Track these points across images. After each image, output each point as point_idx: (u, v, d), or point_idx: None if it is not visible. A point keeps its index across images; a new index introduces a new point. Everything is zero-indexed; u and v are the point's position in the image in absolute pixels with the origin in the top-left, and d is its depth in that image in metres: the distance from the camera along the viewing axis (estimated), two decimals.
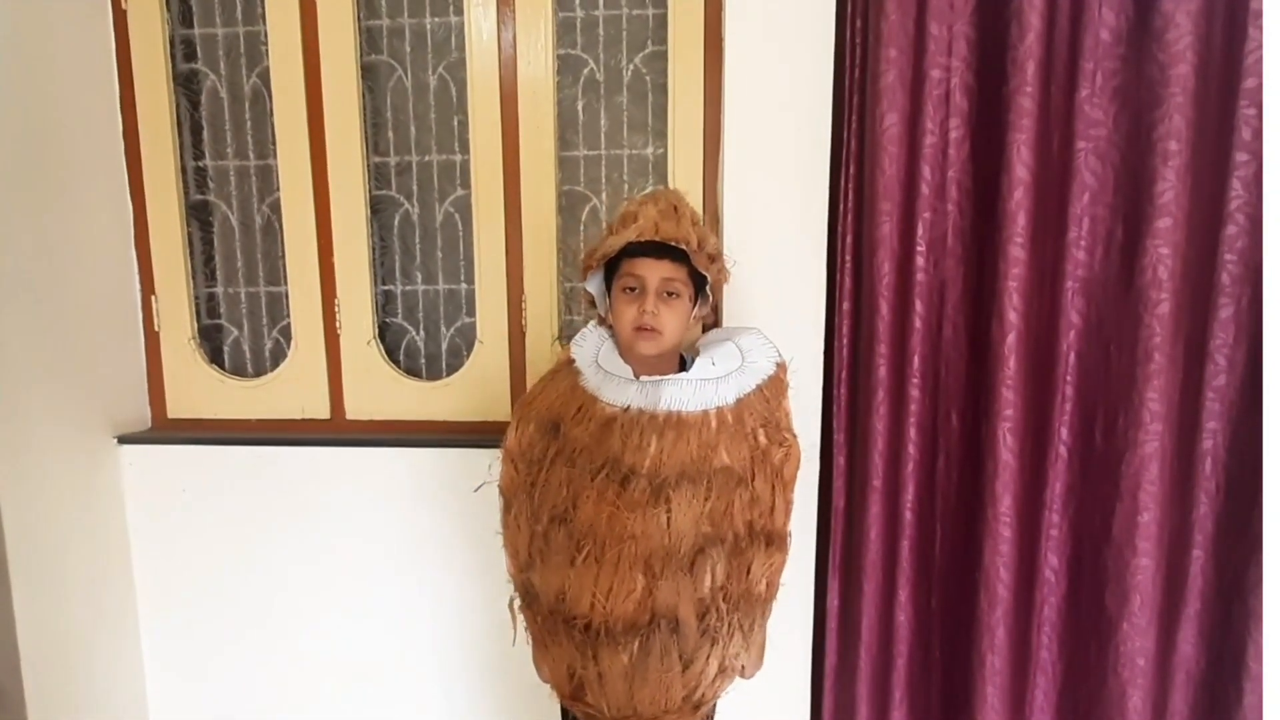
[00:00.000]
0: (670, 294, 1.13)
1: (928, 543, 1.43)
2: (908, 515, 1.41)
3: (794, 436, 1.18)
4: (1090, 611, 1.38)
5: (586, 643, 1.09)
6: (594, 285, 1.22)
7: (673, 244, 1.10)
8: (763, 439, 1.14)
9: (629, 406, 1.12)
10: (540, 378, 1.25)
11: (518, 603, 1.22)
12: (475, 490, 1.36)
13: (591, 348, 1.22)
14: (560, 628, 1.11)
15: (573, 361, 1.22)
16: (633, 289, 1.13)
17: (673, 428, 1.10)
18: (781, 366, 1.20)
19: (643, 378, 1.14)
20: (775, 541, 1.15)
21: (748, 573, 1.11)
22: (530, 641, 1.20)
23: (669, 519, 1.06)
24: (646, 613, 1.07)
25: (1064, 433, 1.35)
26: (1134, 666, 1.34)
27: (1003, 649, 1.39)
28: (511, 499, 1.19)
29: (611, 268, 1.17)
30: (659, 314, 1.11)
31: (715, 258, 1.16)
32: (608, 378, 1.16)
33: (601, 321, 1.26)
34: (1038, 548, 1.37)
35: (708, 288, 1.19)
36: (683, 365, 1.20)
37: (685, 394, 1.12)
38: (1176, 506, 1.32)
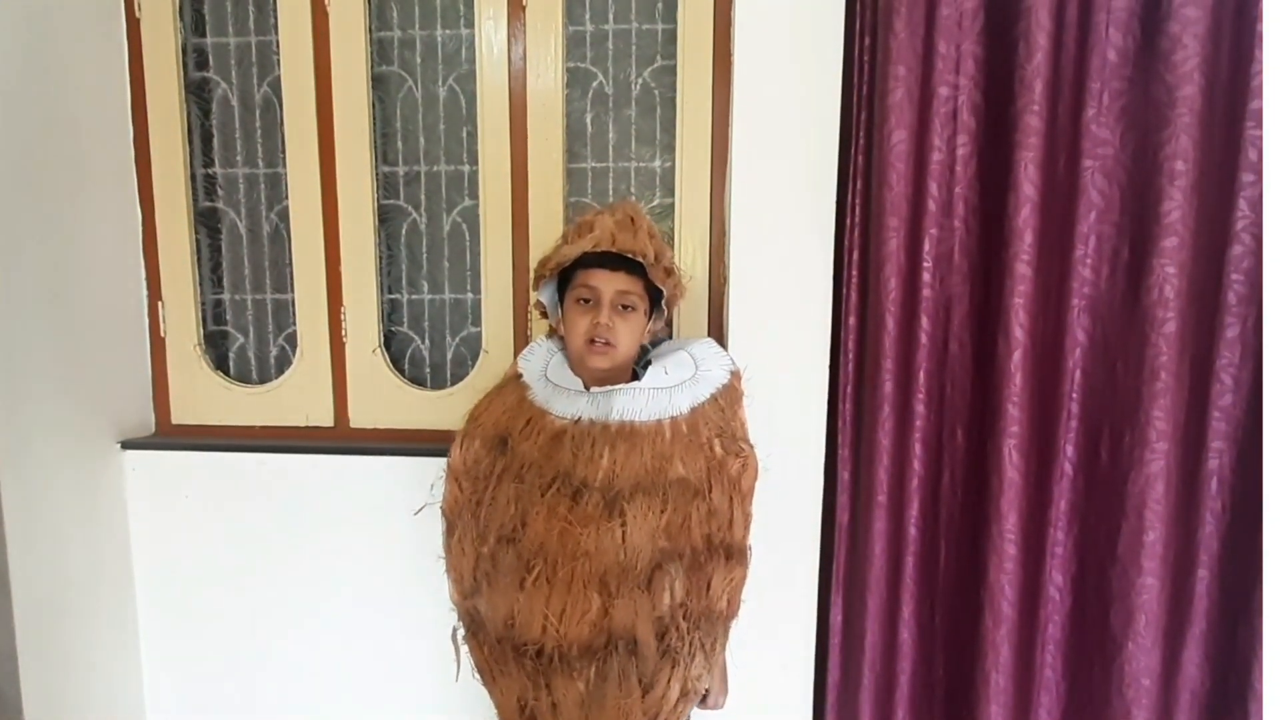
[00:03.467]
0: (625, 307, 1.10)
1: (932, 559, 1.43)
2: (912, 531, 1.41)
3: (750, 447, 1.14)
4: (1095, 631, 1.37)
5: (539, 670, 1.04)
6: (546, 295, 1.20)
7: (629, 256, 1.08)
8: (718, 449, 1.10)
9: (579, 418, 1.09)
10: (487, 393, 1.23)
11: (461, 633, 1.17)
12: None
13: (540, 361, 1.20)
14: (509, 656, 1.06)
15: (520, 376, 1.20)
16: (587, 300, 1.10)
17: (625, 438, 1.06)
18: (736, 375, 1.18)
19: (594, 389, 1.12)
20: (735, 555, 1.10)
21: (708, 588, 1.07)
22: (476, 674, 1.16)
23: (624, 533, 1.02)
24: (603, 634, 1.02)
25: (1069, 450, 1.35)
26: (1139, 686, 1.33)
27: (1007, 667, 1.38)
28: (455, 520, 1.15)
29: (565, 277, 1.14)
30: (614, 327, 1.08)
31: (671, 271, 1.14)
32: (557, 390, 1.14)
33: (552, 332, 1.23)
34: (1042, 565, 1.37)
35: (663, 301, 1.17)
36: (634, 379, 1.16)
37: (638, 404, 1.09)
38: (1182, 526, 1.31)
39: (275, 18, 1.57)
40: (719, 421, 1.12)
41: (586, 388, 1.13)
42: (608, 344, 1.08)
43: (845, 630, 1.51)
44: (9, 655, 1.40)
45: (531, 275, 1.19)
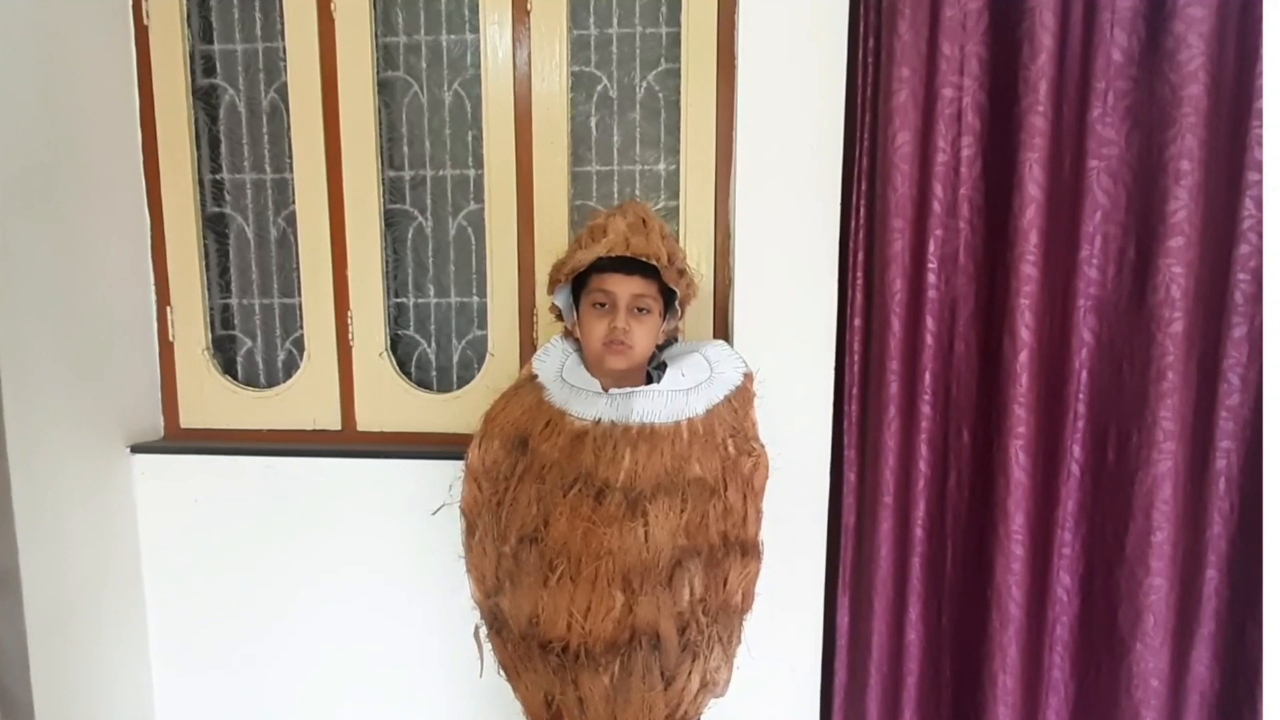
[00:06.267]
0: (640, 309, 1.12)
1: (939, 560, 1.43)
2: (919, 532, 1.41)
3: (762, 446, 1.17)
4: (1103, 631, 1.37)
5: (564, 666, 1.06)
6: (561, 299, 1.21)
7: (644, 259, 1.09)
8: (732, 449, 1.13)
9: (599, 420, 1.11)
10: (502, 394, 1.24)
11: (484, 631, 1.19)
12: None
13: (555, 363, 1.22)
14: (535, 653, 1.08)
15: (535, 377, 1.21)
16: (602, 304, 1.12)
17: (646, 440, 1.09)
18: (749, 377, 1.20)
19: (612, 390, 1.13)
20: (749, 551, 1.14)
21: (725, 584, 1.10)
22: (500, 670, 1.18)
23: (646, 532, 1.05)
24: (626, 630, 1.05)
25: (1076, 450, 1.35)
26: (1147, 687, 1.33)
27: (1014, 668, 1.38)
28: (475, 520, 1.17)
29: (579, 280, 1.16)
30: (630, 330, 1.10)
31: (684, 272, 1.15)
32: (575, 392, 1.15)
33: (568, 334, 1.25)
34: (1050, 566, 1.36)
35: (676, 302, 1.19)
36: (648, 379, 1.19)
37: (657, 405, 1.11)
38: (1190, 526, 1.31)
39: (282, 24, 1.58)
40: (732, 422, 1.15)
41: (604, 389, 1.14)
42: (624, 344, 1.11)
43: (852, 632, 1.51)
44: (20, 657, 1.41)
45: (546, 280, 1.21)
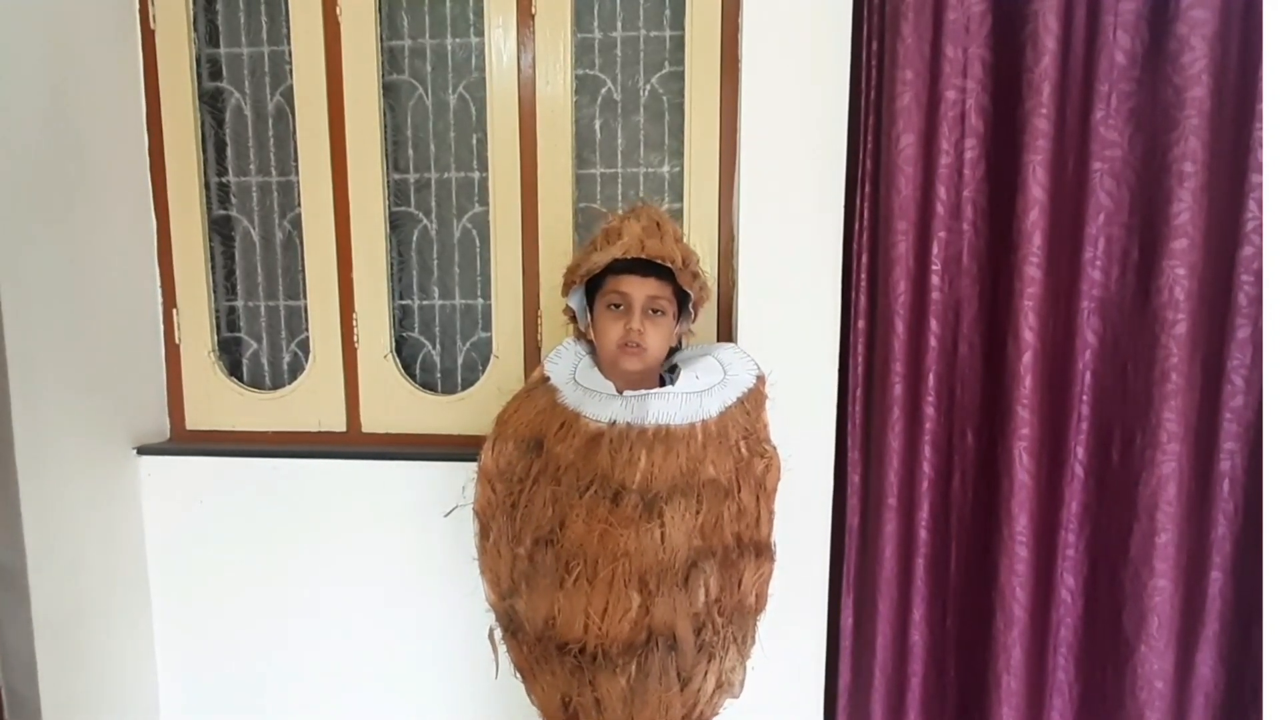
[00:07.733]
0: (655, 311, 1.12)
1: (943, 562, 1.43)
2: (923, 534, 1.41)
3: (774, 448, 1.18)
4: (1107, 633, 1.37)
5: (581, 668, 1.07)
6: (575, 300, 1.22)
7: (659, 262, 1.10)
8: (744, 451, 1.14)
9: (614, 421, 1.11)
10: (514, 395, 1.24)
11: (498, 633, 1.19)
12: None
13: (568, 365, 1.22)
14: (552, 655, 1.09)
15: (547, 379, 1.21)
16: (617, 306, 1.12)
17: (662, 441, 1.09)
18: (761, 379, 1.20)
19: (627, 392, 1.14)
20: (763, 552, 1.14)
21: (739, 585, 1.11)
22: (515, 672, 1.18)
23: (663, 534, 1.05)
24: (643, 632, 1.05)
25: (1080, 452, 1.35)
26: (1152, 689, 1.33)
27: (1018, 670, 1.38)
28: (489, 522, 1.17)
29: (593, 283, 1.16)
30: (645, 332, 1.11)
31: (698, 275, 1.16)
32: (588, 394, 1.16)
33: (581, 336, 1.25)
34: (1054, 568, 1.37)
35: (690, 305, 1.19)
36: (661, 382, 1.20)
37: (672, 407, 1.12)
38: (1194, 527, 1.31)
39: (287, 28, 1.59)
40: (745, 424, 1.15)
41: (619, 391, 1.15)
42: (639, 346, 1.11)
43: (856, 633, 1.51)
44: (28, 658, 1.41)
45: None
